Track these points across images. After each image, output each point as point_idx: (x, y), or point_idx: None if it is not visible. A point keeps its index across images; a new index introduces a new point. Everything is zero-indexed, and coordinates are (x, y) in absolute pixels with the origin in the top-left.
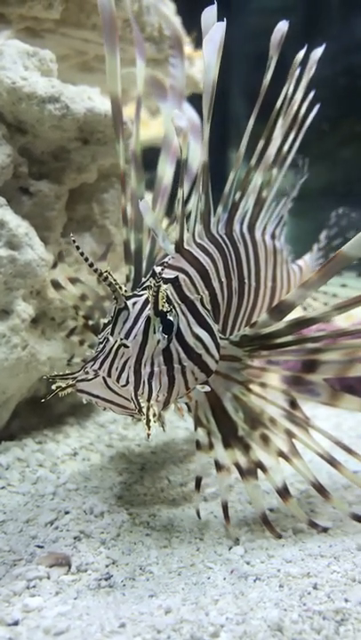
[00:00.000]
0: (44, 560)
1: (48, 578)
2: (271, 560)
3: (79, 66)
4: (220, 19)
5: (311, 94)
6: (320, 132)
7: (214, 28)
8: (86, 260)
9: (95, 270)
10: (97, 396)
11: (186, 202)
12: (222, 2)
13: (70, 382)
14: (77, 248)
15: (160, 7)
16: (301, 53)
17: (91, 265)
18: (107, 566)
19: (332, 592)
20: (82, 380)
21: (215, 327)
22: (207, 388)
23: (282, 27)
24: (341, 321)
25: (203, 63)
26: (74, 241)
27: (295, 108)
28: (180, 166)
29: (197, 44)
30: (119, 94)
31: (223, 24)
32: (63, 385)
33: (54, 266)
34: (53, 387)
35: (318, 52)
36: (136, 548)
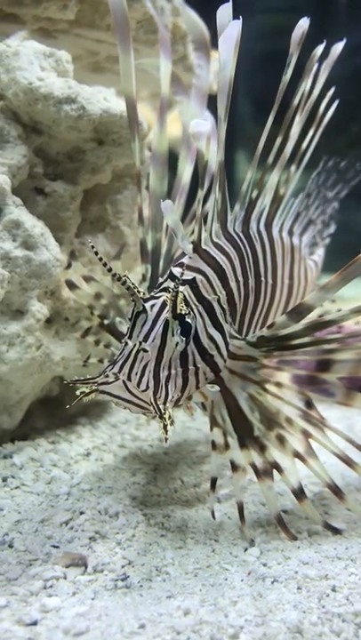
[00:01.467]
0: (60, 560)
1: (65, 578)
2: (288, 562)
3: (91, 66)
4: (234, 17)
5: (331, 91)
6: (332, 132)
7: (231, 25)
8: (105, 265)
9: (114, 275)
10: (118, 397)
11: (204, 202)
12: (229, 1)
13: (92, 387)
14: (96, 253)
15: (186, 9)
16: (320, 49)
17: (109, 270)
18: (123, 567)
19: (350, 594)
20: (103, 384)
21: (226, 327)
22: (217, 389)
23: (303, 24)
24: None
25: (217, 63)
26: (92, 246)
27: (313, 103)
28: (199, 168)
29: (210, 44)
30: (134, 94)
31: (239, 22)
32: (86, 390)
33: (69, 266)
34: (77, 392)
35: (339, 46)
36: (151, 549)
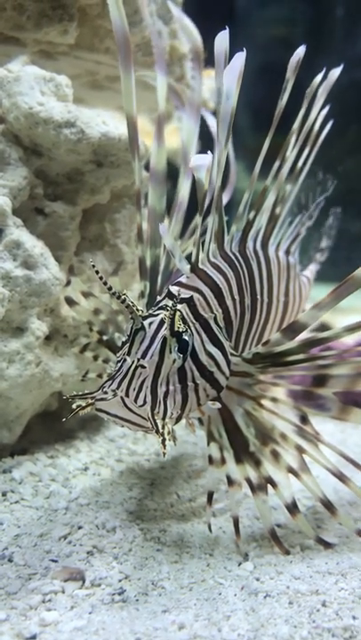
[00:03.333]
0: (58, 574)
1: (63, 592)
2: (280, 576)
3: (89, 84)
4: (237, 49)
5: (325, 110)
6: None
7: (235, 57)
8: (105, 283)
9: (114, 293)
10: (115, 416)
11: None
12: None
13: (90, 401)
14: (97, 272)
15: (184, 20)
16: (320, 76)
17: (109, 288)
18: (120, 581)
19: (340, 609)
20: (100, 400)
21: (227, 344)
22: (218, 405)
23: (300, 51)
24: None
25: (210, 80)
26: (93, 265)
27: (310, 125)
28: (198, 197)
29: (206, 63)
30: (135, 114)
31: (243, 54)
32: (83, 404)
33: (68, 283)
34: (74, 406)
35: (336, 72)
36: (148, 563)
